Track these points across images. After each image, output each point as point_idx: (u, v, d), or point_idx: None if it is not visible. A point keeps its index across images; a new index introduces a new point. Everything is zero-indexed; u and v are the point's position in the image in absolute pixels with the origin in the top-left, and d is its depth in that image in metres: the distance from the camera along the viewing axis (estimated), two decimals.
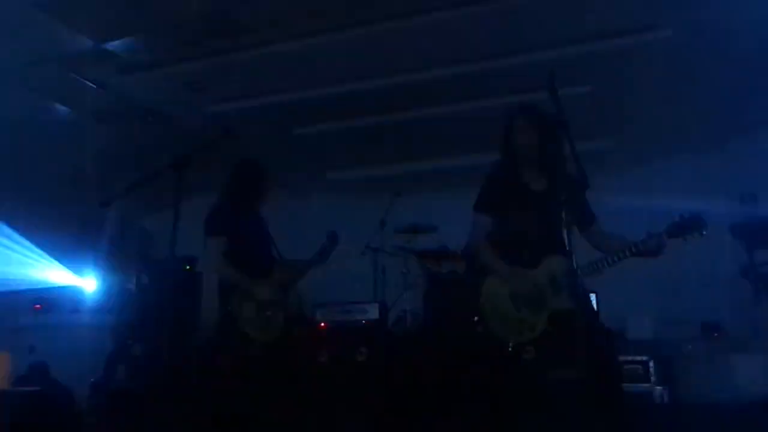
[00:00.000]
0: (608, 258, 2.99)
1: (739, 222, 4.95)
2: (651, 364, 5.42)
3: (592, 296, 5.69)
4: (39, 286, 7.52)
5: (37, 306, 7.31)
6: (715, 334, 5.99)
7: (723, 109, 6.03)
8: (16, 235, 7.26)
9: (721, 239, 5.76)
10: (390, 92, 5.71)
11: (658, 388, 5.31)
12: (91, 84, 5.52)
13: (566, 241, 2.90)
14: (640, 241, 2.95)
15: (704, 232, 2.95)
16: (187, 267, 6.15)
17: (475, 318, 3.13)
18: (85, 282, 7.72)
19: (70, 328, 6.86)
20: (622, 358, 5.50)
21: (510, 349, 3.03)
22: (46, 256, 7.57)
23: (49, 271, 7.65)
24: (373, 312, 5.69)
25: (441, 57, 5.20)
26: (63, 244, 7.67)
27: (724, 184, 6.52)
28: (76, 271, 7.80)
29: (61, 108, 5.95)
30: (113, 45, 4.95)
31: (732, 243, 5.07)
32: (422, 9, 4.54)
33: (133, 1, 4.44)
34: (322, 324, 5.68)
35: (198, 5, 4.44)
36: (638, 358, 5.51)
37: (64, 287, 7.74)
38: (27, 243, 7.38)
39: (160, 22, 4.68)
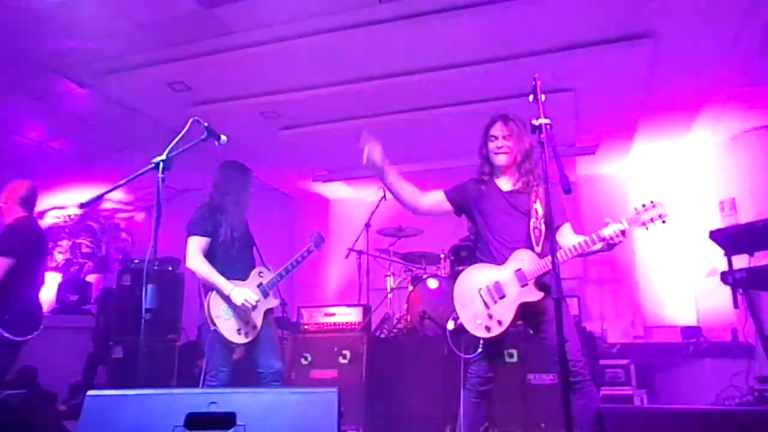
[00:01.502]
0: (569, 248, 3.06)
1: (718, 228, 5.01)
2: (632, 368, 5.48)
3: (574, 300, 5.77)
4: None
5: None
6: (694, 339, 6.07)
7: None
8: None
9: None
10: (376, 93, 5.72)
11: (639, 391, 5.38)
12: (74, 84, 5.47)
13: (534, 238, 3.10)
14: (601, 231, 3.02)
15: (665, 220, 3.00)
16: (170, 269, 6.12)
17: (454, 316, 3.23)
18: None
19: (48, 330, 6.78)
20: (603, 362, 5.57)
21: (481, 343, 3.11)
22: None
23: None
24: None
25: (429, 59, 5.22)
26: None
27: None
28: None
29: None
30: (97, 45, 4.91)
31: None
32: (410, 12, 4.55)
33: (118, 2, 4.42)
34: None
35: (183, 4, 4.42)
36: (619, 362, 5.57)
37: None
38: None
39: (144, 21, 4.66)
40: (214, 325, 3.66)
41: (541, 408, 4.68)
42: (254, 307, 3.77)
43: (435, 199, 3.37)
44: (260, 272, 3.95)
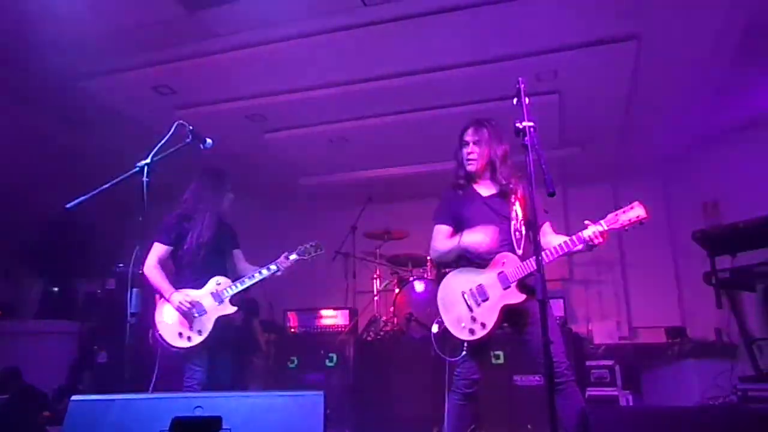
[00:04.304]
0: (551, 250, 3.07)
1: (701, 229, 5.05)
2: (617, 368, 5.52)
3: (560, 302, 5.80)
4: None
5: None
6: (678, 339, 6.11)
7: None
8: None
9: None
10: (362, 96, 5.72)
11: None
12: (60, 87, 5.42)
13: (515, 240, 3.14)
14: (581, 232, 3.04)
15: (644, 222, 3.02)
16: None
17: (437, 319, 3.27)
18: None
19: (32, 335, 6.72)
20: (588, 363, 5.60)
21: (465, 345, 3.12)
22: None
23: None
24: None
25: (414, 62, 5.23)
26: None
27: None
28: None
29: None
30: (82, 48, 4.87)
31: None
32: (394, 15, 4.56)
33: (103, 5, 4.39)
34: None
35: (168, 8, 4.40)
36: (605, 362, 5.60)
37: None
38: None
39: (129, 25, 4.63)
40: (156, 329, 3.72)
41: (527, 409, 4.70)
42: (202, 312, 3.77)
43: (443, 233, 3.39)
44: (218, 282, 3.92)
